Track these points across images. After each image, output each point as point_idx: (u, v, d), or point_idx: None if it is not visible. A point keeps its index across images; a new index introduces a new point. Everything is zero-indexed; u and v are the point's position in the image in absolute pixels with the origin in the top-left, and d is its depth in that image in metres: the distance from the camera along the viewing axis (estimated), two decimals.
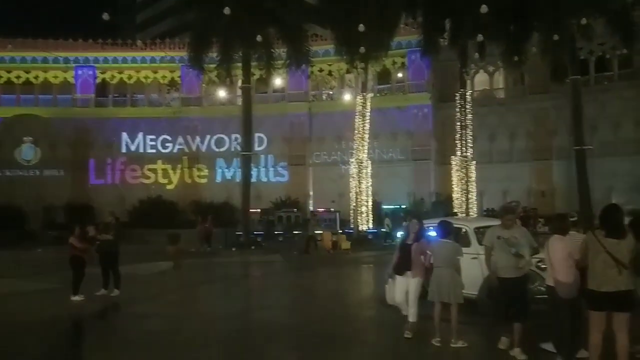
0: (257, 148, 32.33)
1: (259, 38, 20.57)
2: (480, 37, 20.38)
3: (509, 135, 32.72)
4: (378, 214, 28.26)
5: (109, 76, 35.45)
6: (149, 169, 35.13)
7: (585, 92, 26.05)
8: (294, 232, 27.17)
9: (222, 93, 35.63)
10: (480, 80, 33.97)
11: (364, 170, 25.34)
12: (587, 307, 5.13)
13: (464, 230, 8.87)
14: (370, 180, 25.73)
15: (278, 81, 34.27)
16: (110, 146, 35.47)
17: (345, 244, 22.68)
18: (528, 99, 31.97)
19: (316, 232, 22.62)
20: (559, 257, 5.63)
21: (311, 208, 33.19)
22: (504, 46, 23.90)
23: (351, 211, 25.23)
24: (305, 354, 6.65)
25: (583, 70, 28.37)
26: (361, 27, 17.60)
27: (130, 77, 35.70)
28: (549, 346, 6.07)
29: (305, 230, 22.34)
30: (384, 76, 34.14)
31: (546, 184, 30.84)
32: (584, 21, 19.93)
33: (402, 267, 6.96)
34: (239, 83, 28.47)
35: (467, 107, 25.93)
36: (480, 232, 8.60)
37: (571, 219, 6.80)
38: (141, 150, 35.39)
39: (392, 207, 30.23)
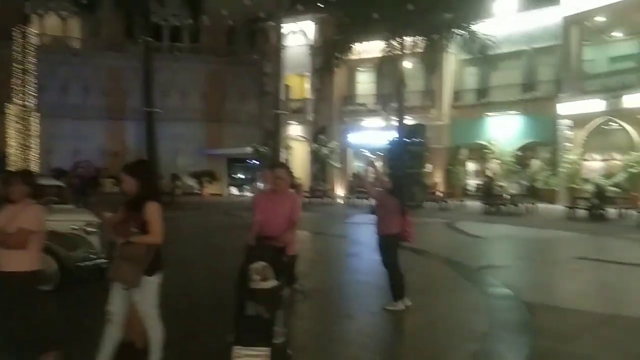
0: None
1: None
2: None
3: (83, 89, 30.21)
4: None
5: None
6: None
7: (159, 58, 26.60)
8: None
9: None
10: (53, 24, 29.76)
11: None
12: None
13: None
14: None
15: None
16: None
17: None
18: (104, 55, 30.26)
19: None
20: None
21: None
22: None
23: None
24: None
25: (159, 37, 29.00)
26: None
27: None
28: None
29: None
30: None
31: (119, 143, 30.19)
32: None
33: None
34: None
35: (31, 49, 21.94)
36: None
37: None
38: None
39: None
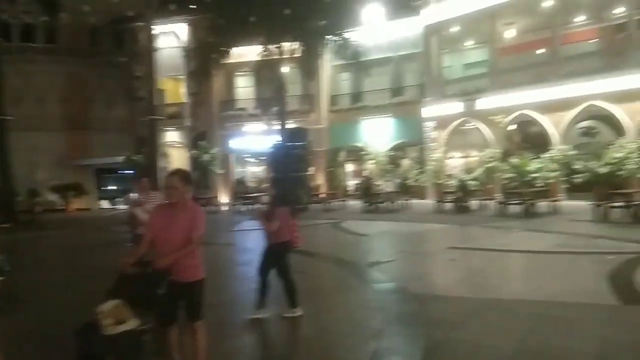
0: None
1: None
2: None
3: None
4: None
5: None
6: None
7: (10, 61, 23.47)
8: None
9: None
10: None
11: None
12: None
13: None
14: None
15: None
16: None
17: None
18: None
19: None
20: None
21: None
22: None
23: None
24: None
25: (8, 37, 25.58)
26: None
27: None
28: None
29: None
30: None
31: None
32: None
33: None
34: None
35: None
36: None
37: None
38: None
39: None
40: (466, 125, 22.86)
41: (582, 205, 14.89)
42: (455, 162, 23.85)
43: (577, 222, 12.97)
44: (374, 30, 24.65)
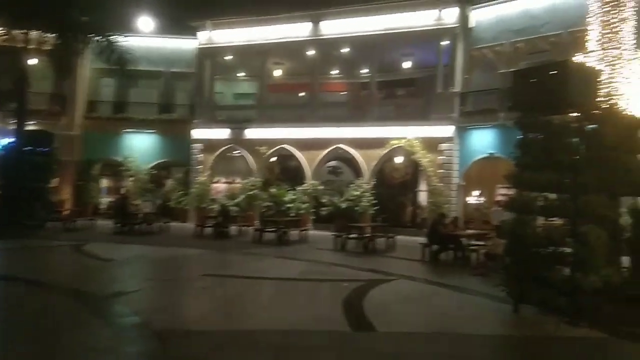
0: None
1: None
2: None
3: None
4: None
5: None
6: None
7: None
8: None
9: None
10: None
11: None
12: None
13: None
14: None
15: None
16: None
17: None
18: None
19: None
20: None
21: None
22: None
23: None
24: None
25: None
26: None
27: None
28: None
29: None
30: None
31: None
32: None
33: None
34: None
35: None
36: None
37: None
38: None
39: None
40: (233, 152, 23.27)
41: (326, 235, 16.55)
42: (220, 187, 23.94)
43: (321, 251, 14.28)
44: (145, 40, 23.28)
